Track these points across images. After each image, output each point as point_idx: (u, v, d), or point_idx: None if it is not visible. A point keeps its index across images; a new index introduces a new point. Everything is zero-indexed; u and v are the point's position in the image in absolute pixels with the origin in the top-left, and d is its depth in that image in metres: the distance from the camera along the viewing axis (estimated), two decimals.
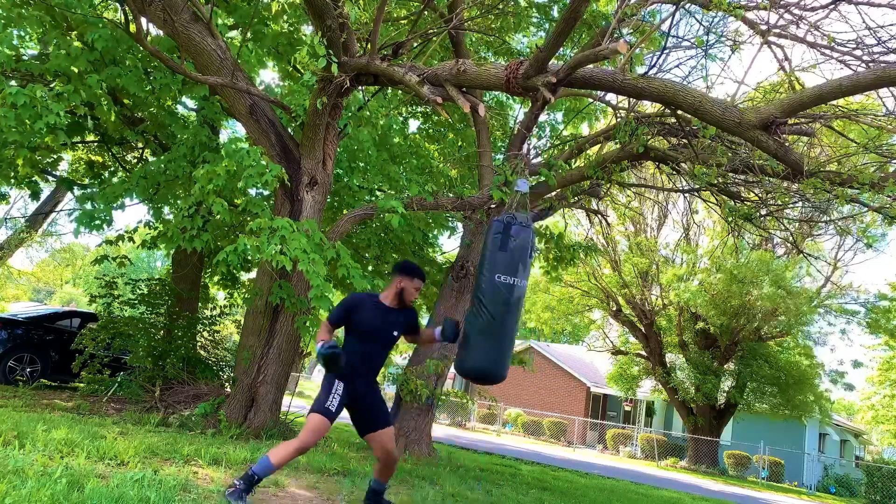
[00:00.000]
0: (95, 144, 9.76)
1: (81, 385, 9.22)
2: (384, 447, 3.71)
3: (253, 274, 8.99)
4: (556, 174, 7.58)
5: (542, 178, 7.58)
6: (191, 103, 9.58)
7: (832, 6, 5.60)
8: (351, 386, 3.64)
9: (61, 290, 45.31)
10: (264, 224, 5.66)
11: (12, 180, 8.18)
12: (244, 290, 9.97)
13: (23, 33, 7.32)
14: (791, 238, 13.76)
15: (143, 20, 6.29)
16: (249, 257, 5.68)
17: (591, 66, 4.84)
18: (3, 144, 7.15)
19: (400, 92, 9.20)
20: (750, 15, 5.97)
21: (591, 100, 9.30)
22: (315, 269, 5.57)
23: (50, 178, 9.55)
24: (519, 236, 3.74)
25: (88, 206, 7.60)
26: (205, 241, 7.02)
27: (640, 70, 4.80)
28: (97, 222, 7.43)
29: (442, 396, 8.16)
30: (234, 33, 9.12)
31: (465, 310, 8.04)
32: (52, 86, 7.02)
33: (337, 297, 9.83)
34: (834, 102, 5.54)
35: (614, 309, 22.07)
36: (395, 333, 3.77)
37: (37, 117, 6.24)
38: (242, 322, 7.56)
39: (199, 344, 9.02)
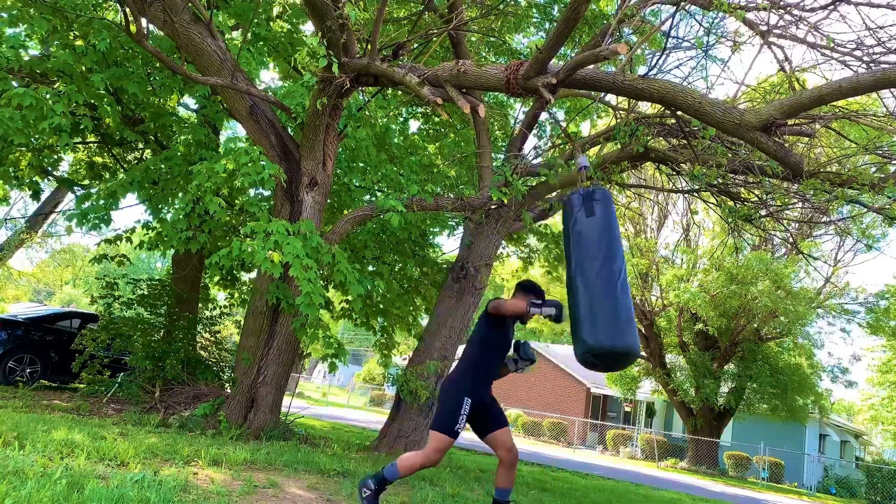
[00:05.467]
0: (96, 145, 9.76)
1: (81, 386, 9.21)
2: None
3: (254, 274, 8.98)
4: (557, 174, 7.58)
5: (543, 178, 7.57)
6: (192, 103, 9.58)
7: (832, 7, 5.59)
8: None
9: (61, 291, 45.33)
10: (259, 227, 5.65)
11: (14, 181, 8.18)
12: (244, 291, 9.97)
13: (28, 33, 7.31)
14: (791, 238, 13.77)
15: (144, 21, 6.29)
16: (244, 259, 5.67)
17: (591, 66, 4.83)
18: (9, 146, 7.15)
19: (400, 93, 9.19)
20: (750, 15, 5.97)
21: (591, 100, 9.31)
22: (307, 275, 5.55)
23: (51, 178, 9.54)
24: (603, 199, 3.75)
25: (87, 205, 7.60)
26: (201, 243, 7.00)
27: (642, 70, 4.78)
28: (95, 221, 7.41)
29: None
30: (234, 34, 9.12)
31: (465, 311, 8.08)
32: (55, 86, 7.03)
33: (335, 295, 9.81)
34: (834, 103, 5.53)
35: None
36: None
37: (42, 118, 6.25)
38: (242, 323, 7.55)
39: (199, 345, 9.02)
